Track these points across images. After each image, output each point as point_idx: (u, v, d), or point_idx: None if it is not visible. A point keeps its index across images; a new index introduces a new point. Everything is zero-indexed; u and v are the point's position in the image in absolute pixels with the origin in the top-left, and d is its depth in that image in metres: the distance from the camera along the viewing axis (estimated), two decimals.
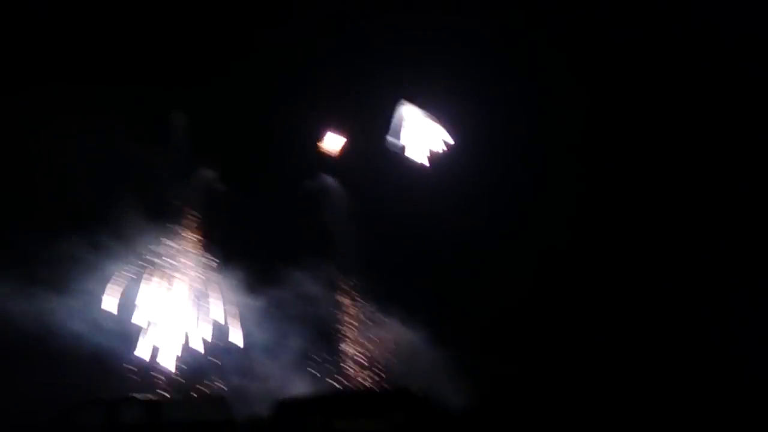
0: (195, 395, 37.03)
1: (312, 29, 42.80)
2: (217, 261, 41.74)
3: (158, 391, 37.32)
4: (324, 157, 45.35)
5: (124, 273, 39.62)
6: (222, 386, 38.05)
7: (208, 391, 37.87)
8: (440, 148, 43.78)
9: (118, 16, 42.15)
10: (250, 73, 43.58)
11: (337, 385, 38.03)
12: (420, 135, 44.29)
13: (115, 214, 39.85)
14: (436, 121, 43.70)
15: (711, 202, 36.76)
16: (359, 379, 38.96)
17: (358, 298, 41.63)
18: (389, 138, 43.76)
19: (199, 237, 42.78)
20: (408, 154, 44.03)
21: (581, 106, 39.75)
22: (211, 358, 39.31)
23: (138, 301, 39.17)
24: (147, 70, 42.11)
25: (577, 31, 40.80)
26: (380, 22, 42.48)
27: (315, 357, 39.65)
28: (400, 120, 43.71)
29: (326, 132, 44.96)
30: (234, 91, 43.79)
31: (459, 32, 42.12)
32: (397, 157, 44.10)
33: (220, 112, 43.80)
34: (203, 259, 42.07)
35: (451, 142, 43.58)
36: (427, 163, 43.98)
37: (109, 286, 38.66)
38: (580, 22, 40.84)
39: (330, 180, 44.77)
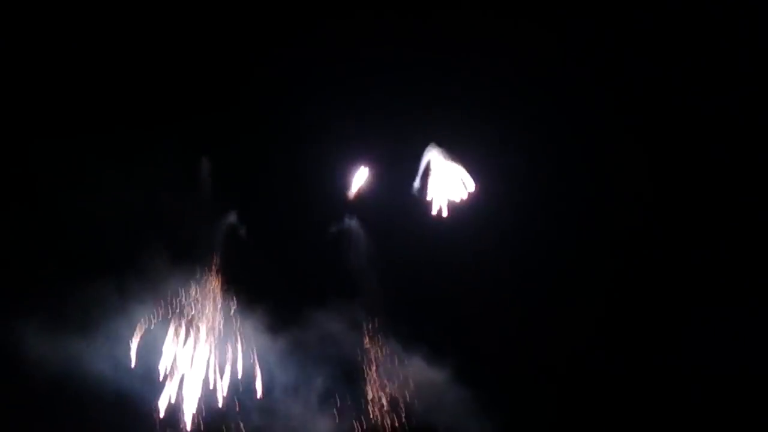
0: None
1: (340, 76, 44.06)
2: (242, 304, 42.07)
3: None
4: (349, 199, 45.66)
5: (150, 317, 40.22)
6: (244, 428, 37.92)
7: None
8: (461, 196, 43.98)
9: (145, 64, 43.77)
10: (275, 118, 44.74)
11: (361, 427, 37.37)
12: (444, 181, 44.57)
13: (143, 259, 40.88)
14: (460, 164, 43.98)
15: None
16: (383, 420, 38.31)
17: (381, 339, 41.35)
18: (416, 182, 44.23)
19: (224, 280, 43.15)
20: (431, 200, 44.33)
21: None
22: (235, 399, 39.22)
23: (163, 346, 39.71)
24: (175, 117, 43.49)
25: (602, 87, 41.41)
26: (411, 69, 43.78)
27: (338, 398, 39.30)
28: (428, 163, 44.18)
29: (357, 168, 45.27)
30: (258, 135, 44.91)
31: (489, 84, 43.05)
32: (419, 202, 44.44)
33: (245, 157, 44.84)
34: (228, 303, 42.28)
35: (472, 188, 43.80)
36: (446, 213, 44.04)
37: (136, 330, 39.30)
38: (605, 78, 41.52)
39: (353, 223, 45.06)
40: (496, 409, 37.21)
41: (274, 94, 44.90)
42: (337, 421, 38.04)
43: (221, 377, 39.33)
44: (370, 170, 45.23)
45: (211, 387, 39.01)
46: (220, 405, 38.54)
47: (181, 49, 43.40)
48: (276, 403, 38.30)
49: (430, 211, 43.85)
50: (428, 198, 44.10)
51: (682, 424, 33.33)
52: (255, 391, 38.72)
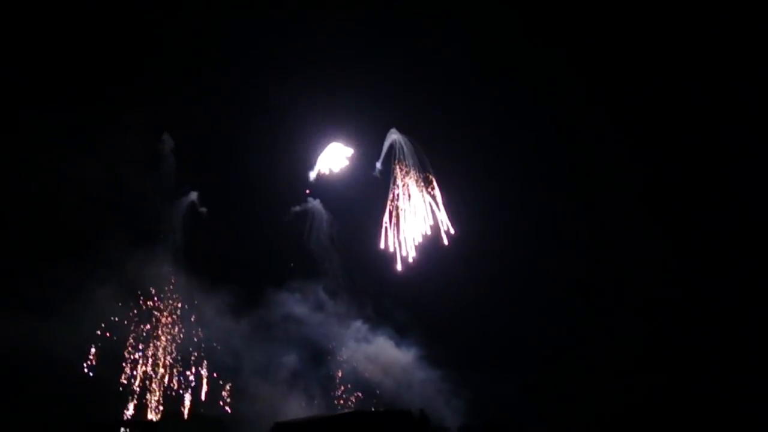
0: (191, 418, 36.93)
1: (305, 58, 44.04)
2: (203, 285, 41.73)
3: (154, 405, 37.37)
4: (311, 180, 45.61)
5: (112, 296, 39.49)
6: (218, 408, 37.84)
7: (203, 414, 37.65)
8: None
9: (107, 39, 42.60)
10: (240, 98, 44.42)
11: (334, 407, 37.76)
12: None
13: (103, 239, 40.06)
14: (423, 149, 44.62)
15: None
16: (353, 400, 38.82)
17: (347, 319, 41.79)
18: (378, 165, 44.61)
19: (185, 261, 42.70)
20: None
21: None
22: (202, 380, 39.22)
23: (127, 325, 39.20)
24: (137, 93, 42.64)
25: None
26: None
27: (307, 378, 39.69)
28: (389, 146, 44.60)
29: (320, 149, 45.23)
30: (221, 115, 44.48)
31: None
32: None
33: (207, 135, 44.37)
34: (191, 283, 41.86)
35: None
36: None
37: (97, 310, 38.51)
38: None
39: (315, 203, 45.18)
40: (466, 389, 38.15)
41: (239, 74, 44.76)
42: (309, 399, 38.35)
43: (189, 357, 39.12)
44: (335, 151, 45.25)
45: (180, 367, 38.68)
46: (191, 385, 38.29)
47: (143, 23, 42.84)
48: (246, 385, 38.18)
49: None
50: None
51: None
52: (225, 373, 38.52)
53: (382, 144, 45.56)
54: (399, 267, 41.92)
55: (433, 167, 43.64)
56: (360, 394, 39.15)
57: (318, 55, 44.81)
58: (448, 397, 37.81)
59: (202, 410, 37.39)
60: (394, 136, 45.17)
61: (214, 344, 40.10)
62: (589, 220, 39.72)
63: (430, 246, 41.81)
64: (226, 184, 45.28)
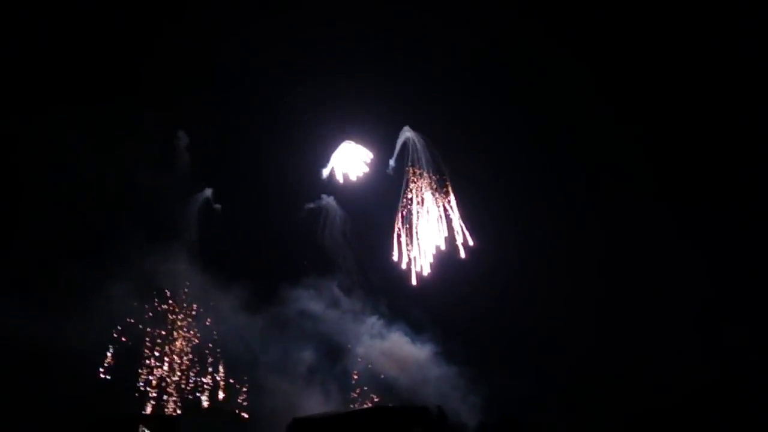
0: (210, 412, 37.52)
1: (320, 57, 44.28)
2: (220, 281, 42.15)
3: (172, 408, 37.90)
4: (324, 177, 45.83)
5: (129, 295, 39.99)
6: (236, 404, 38.35)
7: (223, 408, 38.27)
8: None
9: (122, 39, 42.94)
10: (254, 96, 44.58)
11: (351, 403, 38.30)
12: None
13: (120, 237, 40.53)
14: (437, 147, 44.82)
15: None
16: (371, 395, 39.24)
17: (361, 315, 42.29)
18: (391, 162, 44.85)
19: (200, 258, 43.08)
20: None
21: None
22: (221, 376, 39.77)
23: (144, 325, 39.85)
24: (151, 91, 43.02)
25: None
26: None
27: (324, 374, 40.09)
28: (402, 145, 44.81)
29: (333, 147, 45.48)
30: (235, 113, 44.72)
31: None
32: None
33: (222, 133, 44.65)
34: (206, 280, 42.25)
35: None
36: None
37: (114, 309, 39.05)
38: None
39: (329, 201, 45.45)
40: (482, 385, 38.43)
41: (253, 72, 44.81)
42: (326, 395, 38.78)
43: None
44: (348, 149, 45.45)
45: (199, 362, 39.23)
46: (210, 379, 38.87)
47: (157, 23, 43.03)
48: (263, 380, 38.72)
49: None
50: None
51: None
52: (242, 368, 39.01)
53: (395, 141, 45.64)
54: (414, 281, 41.95)
55: (446, 164, 43.71)
56: (376, 390, 39.28)
57: (333, 54, 44.86)
58: (465, 393, 38.25)
59: (218, 406, 37.84)
60: (407, 133, 45.24)
61: (230, 341, 40.33)
62: (608, 218, 39.78)
63: (447, 258, 41.84)
64: (241, 181, 45.51)
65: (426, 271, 41.46)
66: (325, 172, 45.73)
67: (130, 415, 34.35)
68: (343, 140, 45.47)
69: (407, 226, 42.77)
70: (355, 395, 39.30)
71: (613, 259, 39.38)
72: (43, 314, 36.87)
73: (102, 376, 36.78)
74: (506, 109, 43.04)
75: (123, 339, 38.25)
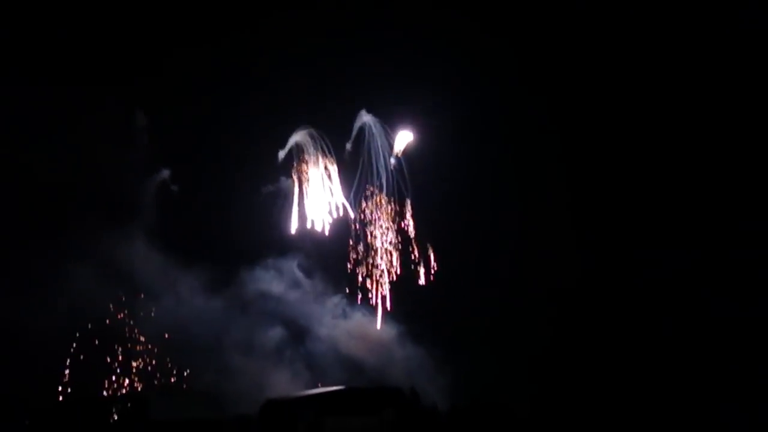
0: (182, 393, 37.60)
1: (276, 37, 44.28)
2: (178, 262, 42.00)
3: (141, 389, 37.92)
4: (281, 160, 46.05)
5: (89, 277, 39.38)
6: (206, 383, 38.47)
7: (193, 389, 38.49)
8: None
9: (78, 14, 41.87)
10: (212, 76, 44.45)
11: (319, 383, 38.60)
12: None
13: (77, 216, 39.85)
14: (392, 133, 45.68)
15: None
16: (338, 376, 39.71)
17: (323, 296, 42.92)
18: (348, 146, 45.54)
19: (160, 238, 42.75)
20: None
21: None
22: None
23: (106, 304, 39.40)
24: (110, 70, 42.22)
25: None
26: None
27: (289, 354, 40.63)
28: (360, 127, 45.50)
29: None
30: (193, 92, 44.35)
31: None
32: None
33: (179, 113, 44.17)
34: (165, 261, 42.01)
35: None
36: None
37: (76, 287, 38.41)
38: None
39: (288, 182, 45.77)
40: (449, 366, 39.65)
41: (211, 50, 44.54)
42: (295, 376, 39.33)
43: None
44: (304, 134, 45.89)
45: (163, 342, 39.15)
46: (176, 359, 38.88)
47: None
48: (231, 361, 38.99)
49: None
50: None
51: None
52: (210, 350, 39.13)
53: (352, 125, 46.36)
54: (379, 324, 42.59)
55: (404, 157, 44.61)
56: (343, 371, 40.10)
57: (292, 35, 45.10)
58: (433, 373, 39.21)
59: (185, 385, 38.00)
60: (364, 117, 46.06)
61: (192, 323, 40.38)
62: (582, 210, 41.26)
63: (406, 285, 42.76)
64: (198, 163, 45.30)
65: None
66: (282, 154, 46.08)
67: (100, 396, 34.14)
68: (301, 123, 45.92)
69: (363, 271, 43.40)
70: (323, 376, 39.87)
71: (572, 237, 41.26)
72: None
73: (69, 358, 36.37)
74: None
75: (87, 321, 37.82)
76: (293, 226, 44.21)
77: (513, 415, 30.71)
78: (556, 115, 42.88)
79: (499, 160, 43.14)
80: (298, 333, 41.19)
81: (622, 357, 36.93)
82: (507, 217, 42.06)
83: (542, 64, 43.40)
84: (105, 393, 35.88)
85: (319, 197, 44.91)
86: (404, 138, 44.88)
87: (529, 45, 43.50)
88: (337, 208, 44.62)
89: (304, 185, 45.03)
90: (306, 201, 44.81)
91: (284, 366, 39.96)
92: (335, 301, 42.43)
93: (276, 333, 40.55)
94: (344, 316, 42.05)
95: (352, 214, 44.56)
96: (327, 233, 44.12)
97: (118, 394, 33.54)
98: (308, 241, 43.99)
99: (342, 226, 44.52)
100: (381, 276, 42.87)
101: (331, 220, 44.43)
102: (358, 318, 41.52)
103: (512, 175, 43.56)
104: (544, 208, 41.69)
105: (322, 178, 45.26)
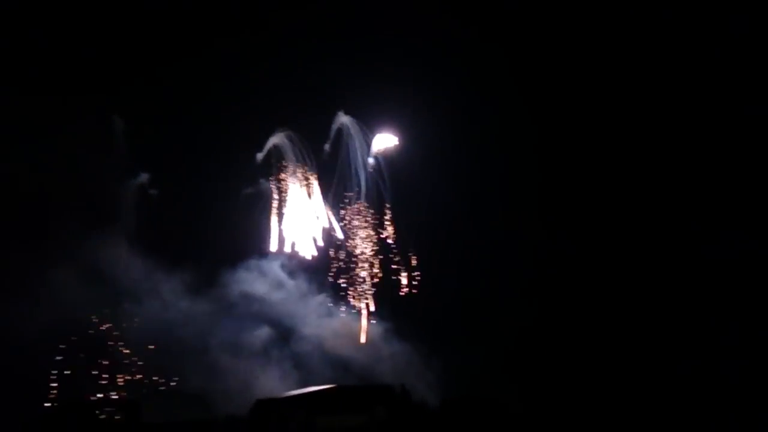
0: (171, 395, 37.77)
1: (255, 41, 44.62)
2: (160, 266, 42.15)
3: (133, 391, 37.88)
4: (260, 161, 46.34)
5: (71, 281, 39.39)
6: (194, 386, 38.69)
7: (183, 391, 38.47)
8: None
9: (55, 20, 41.82)
10: (193, 79, 44.61)
11: (308, 382, 38.80)
12: None
13: (57, 222, 39.84)
14: (370, 134, 46.32)
15: None
16: (326, 375, 40.15)
17: (308, 295, 43.10)
18: (326, 147, 46.05)
19: (140, 243, 42.86)
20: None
21: None
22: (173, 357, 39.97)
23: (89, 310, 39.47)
24: (87, 77, 42.18)
25: None
26: None
27: (276, 354, 40.91)
28: (338, 129, 46.03)
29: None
30: (171, 96, 44.43)
31: None
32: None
33: (157, 118, 44.32)
34: (146, 265, 42.13)
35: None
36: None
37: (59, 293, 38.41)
38: None
39: (268, 185, 46.05)
40: (435, 361, 40.21)
41: (188, 56, 44.69)
42: (284, 375, 39.75)
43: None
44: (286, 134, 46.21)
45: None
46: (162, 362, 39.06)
47: (96, 6, 42.09)
48: (218, 362, 39.31)
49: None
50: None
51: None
52: (196, 351, 39.44)
53: (330, 127, 46.79)
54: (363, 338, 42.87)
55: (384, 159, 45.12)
56: (331, 370, 40.55)
57: (271, 40, 45.46)
58: (421, 369, 39.74)
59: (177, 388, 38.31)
60: (342, 119, 46.51)
61: (177, 326, 40.67)
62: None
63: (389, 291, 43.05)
64: (176, 167, 45.38)
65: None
66: (260, 156, 46.34)
67: (89, 401, 34.26)
68: (278, 124, 46.25)
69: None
70: (311, 375, 40.23)
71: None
72: None
73: (55, 363, 36.39)
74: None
75: (71, 328, 37.90)
76: (272, 246, 44.32)
77: (503, 408, 31.52)
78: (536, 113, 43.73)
79: (477, 159, 43.95)
80: (284, 333, 41.49)
81: (605, 347, 37.94)
82: (488, 213, 42.87)
83: (529, 68, 44.14)
84: (94, 398, 35.78)
85: (298, 217, 45.10)
86: (383, 140, 45.49)
87: (514, 48, 44.21)
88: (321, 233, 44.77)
89: (284, 202, 45.22)
90: (285, 218, 44.98)
91: (272, 366, 40.21)
92: (319, 300, 42.74)
93: (262, 333, 40.81)
94: (329, 315, 42.46)
95: (336, 228, 44.91)
96: (309, 257, 44.35)
97: (109, 399, 33.62)
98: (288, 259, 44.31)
99: (324, 235, 44.83)
100: (363, 283, 43.31)
101: (313, 246, 44.65)
102: (342, 317, 42.02)
103: (494, 173, 44.31)
104: (524, 202, 42.56)
105: (301, 192, 45.49)
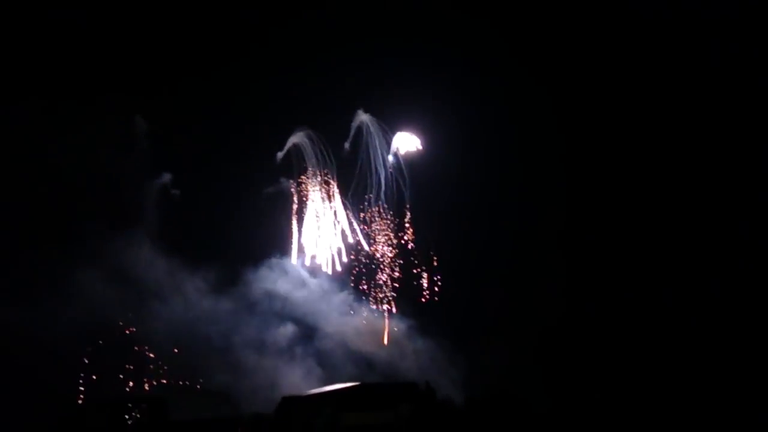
0: (197, 393, 38.08)
1: (277, 41, 44.92)
2: (183, 265, 42.38)
3: (160, 390, 38.18)
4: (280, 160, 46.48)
5: (97, 282, 39.72)
6: (220, 383, 38.95)
7: (208, 389, 38.87)
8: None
9: (77, 24, 42.21)
10: (214, 79, 44.88)
11: (332, 380, 38.73)
12: None
13: (81, 223, 40.19)
14: (390, 133, 46.39)
15: None
16: (351, 372, 40.27)
17: (330, 293, 43.26)
18: (346, 145, 46.15)
19: (163, 243, 43.10)
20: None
21: None
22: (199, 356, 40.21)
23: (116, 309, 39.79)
24: (110, 77, 42.57)
25: None
26: None
27: (301, 351, 41.19)
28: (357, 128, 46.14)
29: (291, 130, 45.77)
30: (192, 96, 44.73)
31: None
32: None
33: (179, 118, 44.63)
34: (170, 265, 42.36)
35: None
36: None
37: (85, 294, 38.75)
38: None
39: (288, 183, 46.21)
40: (460, 358, 40.26)
41: (209, 56, 44.94)
42: (308, 373, 39.89)
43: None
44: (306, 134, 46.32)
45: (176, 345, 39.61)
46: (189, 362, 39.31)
47: (116, 7, 42.46)
48: (242, 360, 39.49)
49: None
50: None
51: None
52: (220, 350, 39.66)
53: (350, 125, 46.81)
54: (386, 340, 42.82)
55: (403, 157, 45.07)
56: (355, 367, 40.68)
57: (290, 37, 45.60)
58: (445, 366, 39.78)
59: (200, 384, 38.54)
60: (362, 117, 46.51)
61: (202, 324, 40.89)
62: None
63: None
64: (198, 167, 45.64)
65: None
66: (280, 155, 46.50)
67: (117, 399, 34.52)
68: (298, 123, 46.38)
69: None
70: (335, 372, 40.34)
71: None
72: (8, 304, 36.46)
73: (83, 363, 36.76)
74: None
75: (98, 328, 38.24)
76: (294, 258, 44.51)
77: (528, 406, 31.37)
78: (559, 117, 43.63)
79: (501, 159, 43.90)
80: (307, 331, 41.64)
81: (629, 345, 37.69)
82: (510, 210, 42.81)
83: (552, 71, 44.09)
84: (122, 397, 36.09)
85: (319, 230, 45.24)
86: (403, 139, 45.46)
87: (536, 51, 44.26)
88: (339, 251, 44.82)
89: (304, 207, 45.37)
90: (305, 229, 45.19)
91: (296, 363, 40.41)
92: (342, 298, 42.83)
93: (286, 330, 41.01)
94: (352, 312, 42.53)
95: (357, 233, 44.92)
96: (330, 272, 44.43)
97: (136, 397, 33.87)
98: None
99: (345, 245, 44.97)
100: (384, 287, 43.47)
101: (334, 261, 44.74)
102: (365, 314, 42.08)
103: (515, 174, 44.23)
104: (548, 198, 42.45)
105: (322, 201, 45.55)
